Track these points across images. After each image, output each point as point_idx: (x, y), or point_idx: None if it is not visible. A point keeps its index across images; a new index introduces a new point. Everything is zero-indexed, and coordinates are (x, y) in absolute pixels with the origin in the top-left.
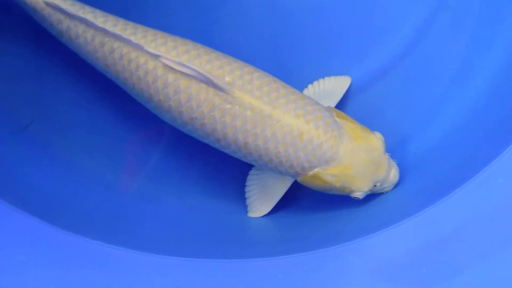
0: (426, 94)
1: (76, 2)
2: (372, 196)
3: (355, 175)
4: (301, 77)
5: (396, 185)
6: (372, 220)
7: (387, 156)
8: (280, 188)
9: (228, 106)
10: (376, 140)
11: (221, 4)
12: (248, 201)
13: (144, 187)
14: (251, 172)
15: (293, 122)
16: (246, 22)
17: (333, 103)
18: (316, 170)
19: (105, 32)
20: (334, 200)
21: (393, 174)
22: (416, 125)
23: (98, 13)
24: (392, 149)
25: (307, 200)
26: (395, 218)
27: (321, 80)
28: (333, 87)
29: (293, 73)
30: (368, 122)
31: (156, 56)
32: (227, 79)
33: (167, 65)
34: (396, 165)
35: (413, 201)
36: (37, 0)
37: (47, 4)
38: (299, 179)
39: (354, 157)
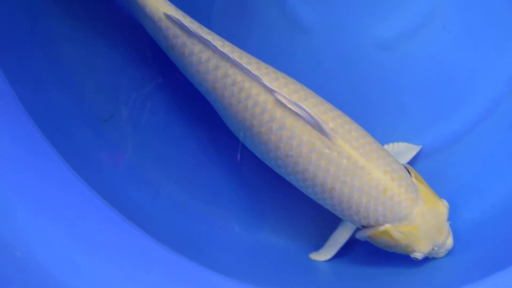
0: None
1: (194, 20)
2: (424, 260)
3: (420, 236)
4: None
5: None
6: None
7: (448, 223)
8: (344, 234)
9: (327, 151)
10: (443, 207)
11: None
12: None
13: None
14: None
15: (381, 177)
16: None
17: (405, 157)
18: (388, 225)
19: (222, 56)
20: (388, 257)
21: (449, 241)
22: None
23: (216, 36)
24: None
25: (362, 253)
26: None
27: (395, 144)
28: (404, 149)
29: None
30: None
31: (270, 90)
32: (331, 125)
33: (279, 101)
34: (451, 232)
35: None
36: (156, 10)
37: (167, 16)
38: (368, 234)
39: (424, 220)
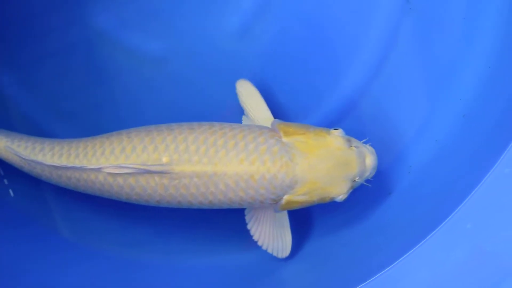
0: (412, 106)
1: (29, 143)
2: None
3: (325, 185)
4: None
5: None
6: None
7: (353, 149)
8: (275, 216)
9: (177, 181)
10: (334, 141)
11: None
12: (267, 247)
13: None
14: (247, 221)
15: (239, 169)
16: None
17: (267, 112)
18: (286, 197)
19: (55, 167)
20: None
21: (369, 161)
22: (408, 141)
23: (47, 146)
24: (388, 169)
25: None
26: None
27: (240, 101)
28: (250, 100)
29: None
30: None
31: (98, 169)
32: (164, 160)
33: (111, 173)
34: (368, 149)
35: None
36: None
37: (7, 148)
38: (279, 208)
39: (315, 171)
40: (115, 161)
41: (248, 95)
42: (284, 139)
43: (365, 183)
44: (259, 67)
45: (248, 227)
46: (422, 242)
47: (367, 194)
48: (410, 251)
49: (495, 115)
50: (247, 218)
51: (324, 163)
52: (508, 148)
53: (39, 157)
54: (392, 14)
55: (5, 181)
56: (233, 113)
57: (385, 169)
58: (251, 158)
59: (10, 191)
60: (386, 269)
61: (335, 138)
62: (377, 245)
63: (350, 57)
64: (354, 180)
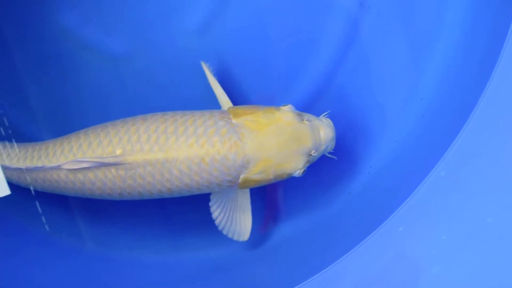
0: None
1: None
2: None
3: (279, 161)
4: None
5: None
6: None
7: (305, 123)
8: (242, 196)
9: (132, 171)
10: (283, 116)
11: None
12: (227, 231)
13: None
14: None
15: (189, 153)
16: None
17: (223, 97)
18: (241, 177)
19: (20, 169)
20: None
21: (324, 133)
22: (369, 140)
23: (11, 150)
24: (348, 170)
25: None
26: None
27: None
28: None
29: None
30: None
31: (58, 167)
32: (118, 151)
33: (71, 169)
34: (323, 121)
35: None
36: None
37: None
38: (238, 188)
39: (266, 148)
40: (73, 158)
41: (209, 78)
42: (234, 120)
43: (329, 155)
44: (219, 64)
45: (211, 210)
46: (359, 245)
47: (328, 192)
48: (346, 254)
49: (449, 116)
50: (210, 203)
51: (274, 140)
52: (448, 150)
53: (6, 162)
54: (350, 12)
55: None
56: (196, 107)
57: (348, 168)
58: (201, 142)
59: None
60: (321, 272)
61: (285, 113)
62: (323, 244)
63: (308, 55)
64: (310, 154)
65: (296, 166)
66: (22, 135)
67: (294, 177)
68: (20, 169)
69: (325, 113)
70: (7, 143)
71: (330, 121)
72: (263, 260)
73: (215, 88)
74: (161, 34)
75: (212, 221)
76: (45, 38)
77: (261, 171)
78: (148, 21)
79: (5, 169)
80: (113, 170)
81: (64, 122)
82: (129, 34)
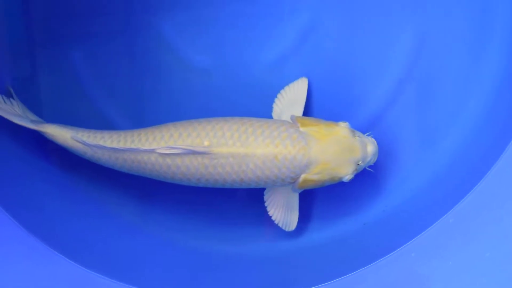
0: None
1: (91, 133)
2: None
3: (334, 166)
4: None
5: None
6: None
7: (357, 138)
8: (288, 195)
9: (215, 161)
10: (341, 130)
11: None
12: (278, 221)
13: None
14: (265, 198)
15: (265, 151)
16: None
17: (300, 108)
18: (302, 176)
19: (114, 149)
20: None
21: (370, 149)
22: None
23: (106, 135)
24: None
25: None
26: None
27: (282, 92)
28: (294, 94)
29: None
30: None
31: (150, 151)
32: (206, 143)
33: (162, 153)
34: (370, 139)
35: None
36: (65, 136)
37: (73, 137)
38: (296, 187)
39: (326, 153)
40: (164, 144)
41: (297, 88)
42: (301, 129)
43: (368, 169)
44: None
45: (266, 204)
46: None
47: (346, 219)
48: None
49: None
50: (265, 197)
51: (333, 148)
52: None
53: (101, 142)
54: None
55: None
56: None
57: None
58: (276, 142)
59: None
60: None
61: (342, 128)
62: (317, 265)
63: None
64: (358, 164)
65: (346, 171)
66: (107, 118)
67: (338, 188)
68: (114, 149)
69: (368, 133)
70: (99, 131)
71: (375, 140)
72: (286, 260)
73: (298, 99)
74: (239, 61)
75: (241, 217)
76: (138, 36)
77: (319, 172)
78: (231, 44)
79: (101, 149)
80: (199, 158)
81: (138, 116)
82: (212, 54)
